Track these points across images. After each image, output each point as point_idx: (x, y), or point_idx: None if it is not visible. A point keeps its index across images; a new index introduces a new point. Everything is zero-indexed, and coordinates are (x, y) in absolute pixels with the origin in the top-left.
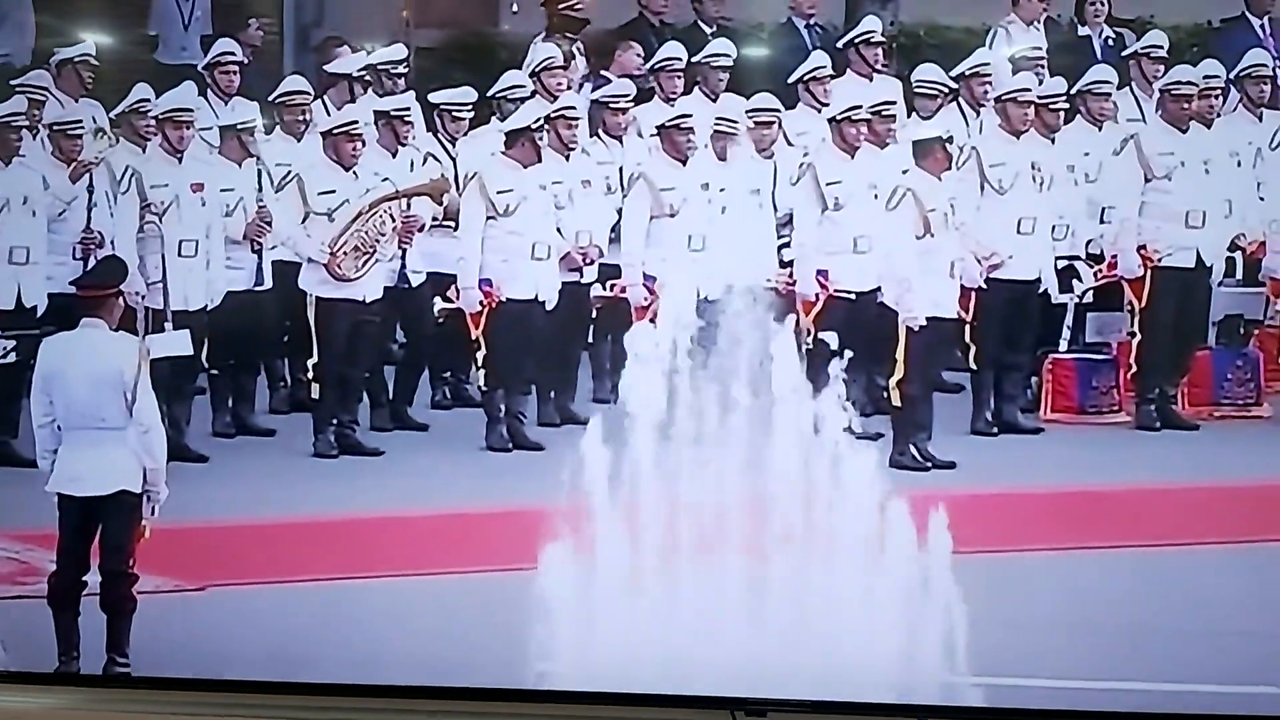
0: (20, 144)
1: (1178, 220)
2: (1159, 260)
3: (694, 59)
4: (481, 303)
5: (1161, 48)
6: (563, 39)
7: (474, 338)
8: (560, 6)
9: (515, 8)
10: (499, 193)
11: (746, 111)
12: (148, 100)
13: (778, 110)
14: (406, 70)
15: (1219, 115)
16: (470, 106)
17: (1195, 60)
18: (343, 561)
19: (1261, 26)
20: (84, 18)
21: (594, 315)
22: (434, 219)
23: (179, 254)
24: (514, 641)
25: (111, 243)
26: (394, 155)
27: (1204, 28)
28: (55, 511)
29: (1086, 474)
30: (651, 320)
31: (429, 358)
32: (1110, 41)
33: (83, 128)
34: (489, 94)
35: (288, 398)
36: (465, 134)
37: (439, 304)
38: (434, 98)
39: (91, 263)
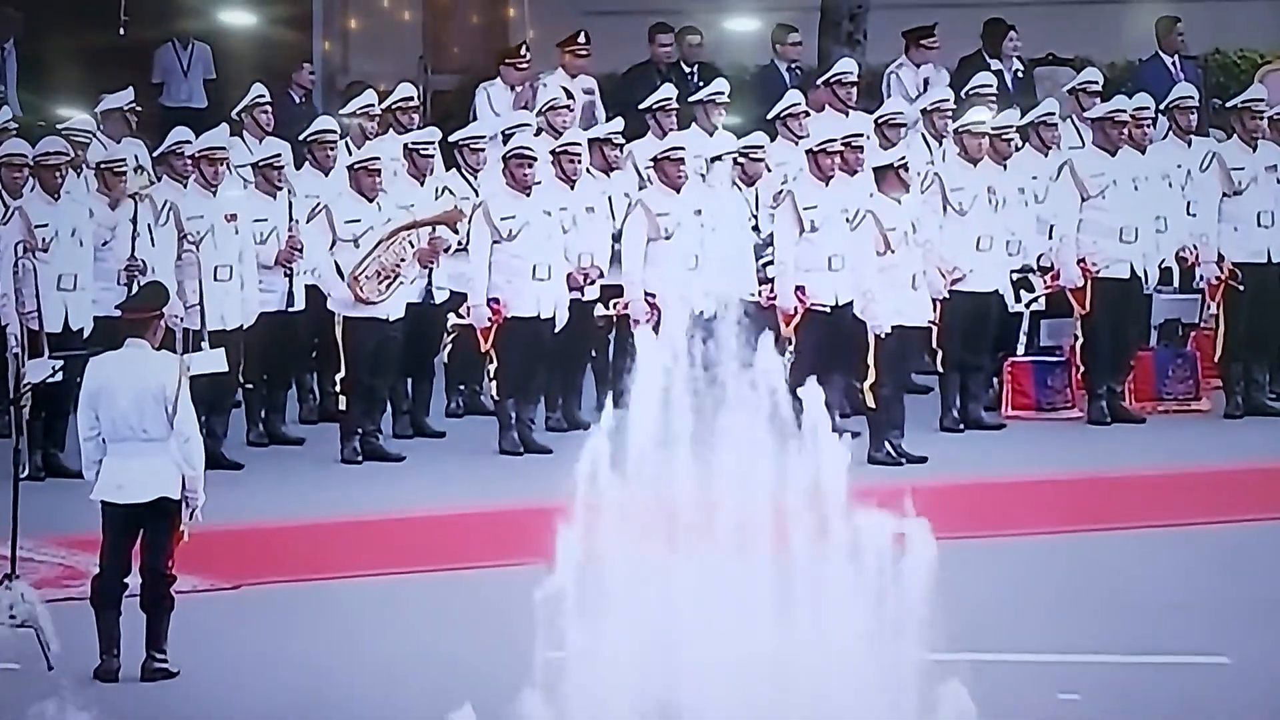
0: (63, 182)
1: (1112, 235)
2: (1097, 272)
3: (692, 98)
4: (490, 319)
5: (1097, 83)
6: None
7: (484, 350)
8: (568, 49)
9: (525, 54)
10: (502, 219)
11: (739, 152)
12: (188, 141)
13: (763, 146)
14: (418, 107)
15: (1150, 141)
16: (486, 140)
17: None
18: (369, 559)
19: (1173, 63)
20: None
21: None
22: (459, 243)
23: (215, 279)
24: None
25: (153, 270)
26: (421, 184)
27: (1134, 64)
28: (98, 519)
29: (1046, 464)
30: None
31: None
32: (1020, 74)
33: (126, 165)
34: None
35: (316, 409)
36: (484, 166)
37: (452, 319)
38: (454, 136)
39: (135, 288)
